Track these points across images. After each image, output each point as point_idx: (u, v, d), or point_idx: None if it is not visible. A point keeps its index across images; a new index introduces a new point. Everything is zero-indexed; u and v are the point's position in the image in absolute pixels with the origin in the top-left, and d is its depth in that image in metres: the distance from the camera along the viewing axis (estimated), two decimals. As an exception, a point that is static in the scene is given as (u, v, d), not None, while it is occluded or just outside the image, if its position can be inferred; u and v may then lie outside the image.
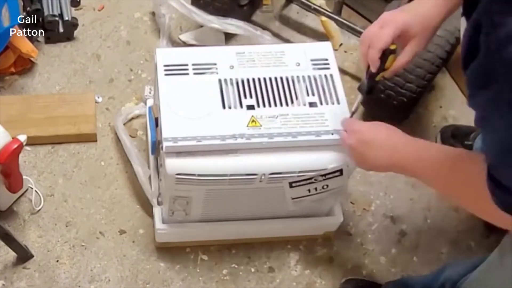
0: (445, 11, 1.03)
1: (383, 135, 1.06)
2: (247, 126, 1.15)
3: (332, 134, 1.15)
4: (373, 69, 1.06)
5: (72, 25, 1.68)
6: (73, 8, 1.75)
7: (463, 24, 0.88)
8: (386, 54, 1.04)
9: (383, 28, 1.03)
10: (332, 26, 1.74)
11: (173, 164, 1.14)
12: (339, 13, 1.72)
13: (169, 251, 1.38)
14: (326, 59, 1.26)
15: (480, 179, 0.80)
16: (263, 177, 1.16)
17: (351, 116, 1.16)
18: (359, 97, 1.14)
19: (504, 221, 0.83)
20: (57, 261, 1.36)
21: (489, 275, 1.04)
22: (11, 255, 1.34)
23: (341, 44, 1.78)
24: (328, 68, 1.24)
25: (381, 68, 1.06)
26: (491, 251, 1.37)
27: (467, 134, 1.56)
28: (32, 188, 1.43)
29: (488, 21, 0.69)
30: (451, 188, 0.94)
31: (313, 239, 1.43)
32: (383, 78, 1.12)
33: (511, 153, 0.73)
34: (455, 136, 1.57)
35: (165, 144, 1.13)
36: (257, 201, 1.26)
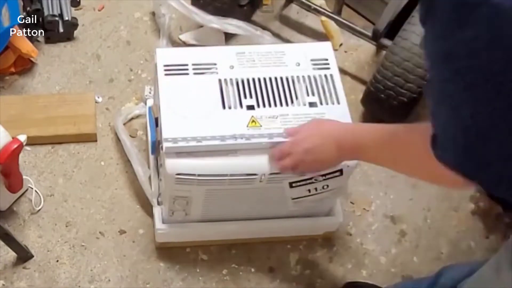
0: None
1: (315, 132, 1.10)
2: (247, 126, 1.15)
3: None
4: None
5: (72, 25, 1.68)
6: (73, 8, 1.75)
7: None
8: None
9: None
10: (332, 26, 1.74)
11: (173, 164, 1.14)
12: (339, 13, 1.72)
13: (169, 251, 1.38)
14: (326, 59, 1.26)
15: (422, 143, 0.81)
16: (263, 177, 1.16)
17: None
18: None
19: (446, 178, 0.82)
20: (57, 261, 1.36)
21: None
22: (11, 255, 1.34)
23: (341, 44, 1.78)
24: (328, 68, 1.25)
25: None
26: (491, 252, 1.37)
27: None
28: (32, 188, 1.43)
29: None
30: (395, 156, 0.96)
31: (313, 239, 1.43)
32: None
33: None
34: None
35: (165, 144, 1.13)
36: (257, 201, 1.26)
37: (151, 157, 1.38)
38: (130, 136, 1.50)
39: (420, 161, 0.85)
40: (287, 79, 1.22)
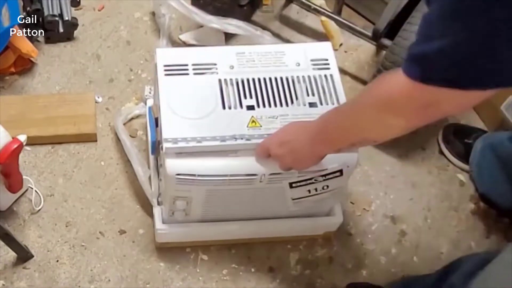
0: None
1: (290, 127, 1.11)
2: (247, 126, 1.15)
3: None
4: None
5: (72, 25, 1.68)
6: (73, 8, 1.75)
7: None
8: None
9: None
10: (332, 26, 1.74)
11: (173, 164, 1.14)
12: (339, 13, 1.72)
13: (169, 251, 1.38)
14: (326, 59, 1.26)
15: (389, 77, 0.85)
16: (263, 178, 1.16)
17: None
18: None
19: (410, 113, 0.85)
20: (57, 261, 1.36)
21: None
22: (11, 255, 1.34)
23: (341, 44, 1.78)
24: (328, 68, 1.24)
25: None
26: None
27: (469, 133, 1.57)
28: (32, 188, 1.43)
29: None
30: (358, 110, 0.95)
31: (313, 239, 1.43)
32: None
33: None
34: (456, 133, 1.58)
35: (165, 144, 1.13)
36: (257, 201, 1.26)
37: (151, 157, 1.38)
38: (130, 136, 1.50)
39: (385, 92, 0.86)
40: (287, 79, 1.22)
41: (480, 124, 1.64)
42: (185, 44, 1.72)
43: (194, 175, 1.15)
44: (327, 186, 1.20)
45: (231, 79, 1.21)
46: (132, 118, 1.56)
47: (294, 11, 1.84)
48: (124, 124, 1.52)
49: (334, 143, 1.04)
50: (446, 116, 0.87)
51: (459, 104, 0.82)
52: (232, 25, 1.59)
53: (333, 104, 1.20)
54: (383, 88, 0.87)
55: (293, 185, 1.19)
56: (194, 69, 1.22)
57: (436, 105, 0.81)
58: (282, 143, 1.10)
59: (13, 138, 1.26)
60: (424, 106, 0.82)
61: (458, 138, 1.57)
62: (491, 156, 1.49)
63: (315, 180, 1.18)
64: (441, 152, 1.59)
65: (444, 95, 0.78)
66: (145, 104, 1.54)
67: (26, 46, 1.55)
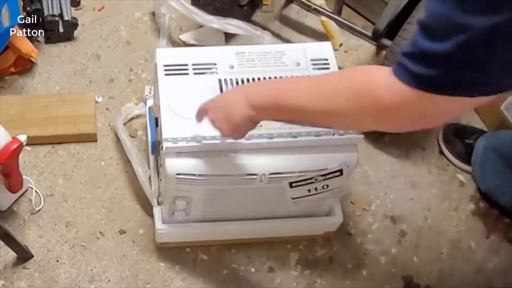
0: None
1: (230, 91, 1.09)
2: (247, 126, 1.15)
3: (333, 134, 1.15)
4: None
5: (72, 25, 1.68)
6: (73, 8, 1.75)
7: None
8: None
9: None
10: (332, 26, 1.74)
11: (173, 164, 1.14)
12: (339, 13, 1.72)
13: (169, 251, 1.38)
14: (326, 59, 1.26)
15: (374, 73, 0.76)
16: (263, 177, 1.16)
17: None
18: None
19: (394, 113, 0.74)
20: (57, 261, 1.36)
21: None
22: (11, 255, 1.34)
23: (341, 44, 1.78)
24: (328, 68, 1.24)
25: None
26: (492, 252, 1.38)
27: (469, 134, 1.57)
28: (32, 188, 1.43)
29: None
30: (332, 91, 0.83)
31: (313, 239, 1.43)
32: None
33: None
34: (457, 133, 1.58)
35: (165, 144, 1.13)
36: (257, 201, 1.26)
37: (151, 157, 1.38)
38: (130, 136, 1.50)
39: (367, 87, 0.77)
40: (287, 79, 1.22)
41: (480, 124, 1.64)
42: (185, 44, 1.73)
43: (194, 175, 1.15)
44: (327, 186, 1.20)
45: (231, 79, 1.21)
46: (132, 118, 1.56)
47: (294, 11, 1.84)
48: (124, 124, 1.52)
49: (284, 114, 0.92)
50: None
51: (461, 109, 0.72)
52: (232, 25, 1.59)
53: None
54: (371, 90, 0.76)
55: (293, 184, 1.19)
56: (194, 69, 1.22)
57: (436, 114, 0.71)
58: (217, 106, 1.04)
59: (13, 138, 1.26)
60: (420, 115, 0.72)
61: (459, 138, 1.57)
62: (493, 155, 1.49)
63: (315, 179, 1.18)
64: (441, 152, 1.59)
65: (446, 103, 0.68)
66: (145, 104, 1.54)
67: (26, 46, 1.55)
